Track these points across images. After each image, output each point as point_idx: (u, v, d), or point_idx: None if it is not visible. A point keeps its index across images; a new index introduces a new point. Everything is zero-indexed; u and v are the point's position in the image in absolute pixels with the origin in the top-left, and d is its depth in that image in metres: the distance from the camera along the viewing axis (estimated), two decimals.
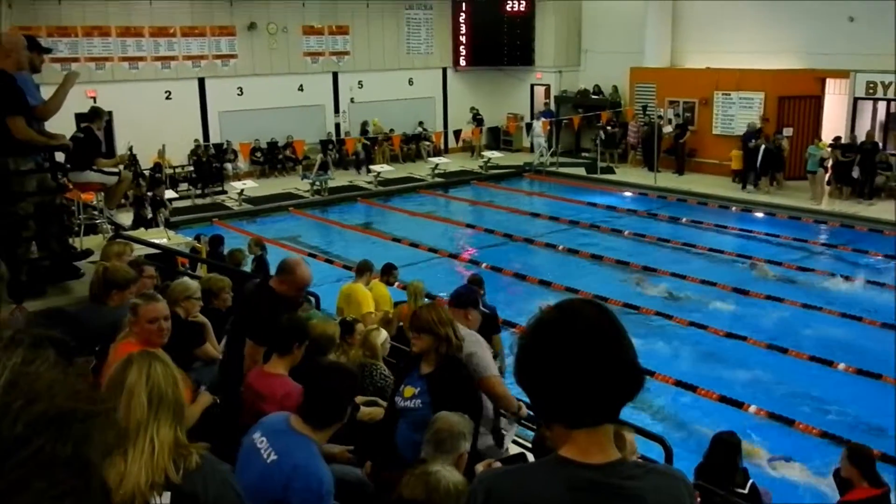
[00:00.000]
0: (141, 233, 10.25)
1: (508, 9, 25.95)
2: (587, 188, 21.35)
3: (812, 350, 10.61)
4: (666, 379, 9.76)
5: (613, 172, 22.64)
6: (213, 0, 21.43)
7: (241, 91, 22.10)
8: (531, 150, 24.77)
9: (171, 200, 17.41)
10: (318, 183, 20.58)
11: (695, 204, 19.34)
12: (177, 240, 10.06)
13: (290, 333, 4.37)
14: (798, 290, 13.15)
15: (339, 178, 21.81)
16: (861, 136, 18.85)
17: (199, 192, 20.41)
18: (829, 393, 9.74)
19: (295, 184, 21.37)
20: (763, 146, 19.47)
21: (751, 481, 5.62)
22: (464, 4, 25.96)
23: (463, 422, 3.58)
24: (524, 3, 25.87)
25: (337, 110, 24.13)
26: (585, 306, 1.64)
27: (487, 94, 26.55)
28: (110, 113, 15.08)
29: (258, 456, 3.21)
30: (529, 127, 25.13)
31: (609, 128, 23.71)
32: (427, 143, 25.17)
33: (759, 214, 18.47)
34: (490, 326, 6.36)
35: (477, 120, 26.02)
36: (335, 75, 23.97)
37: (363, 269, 9.20)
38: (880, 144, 18.88)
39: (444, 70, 26.37)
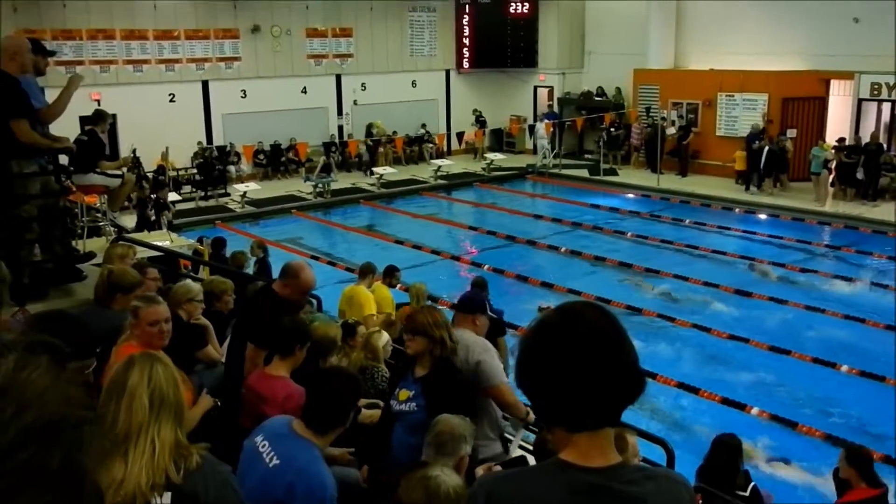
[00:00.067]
0: (144, 235, 10.26)
1: (512, 11, 25.96)
2: (590, 190, 21.33)
3: (815, 352, 10.60)
4: (668, 381, 9.74)
5: (616, 174, 22.62)
6: (217, 3, 21.47)
7: (244, 93, 22.13)
8: (534, 151, 24.77)
9: (174, 203, 17.43)
10: (320, 185, 20.60)
11: (698, 206, 19.31)
12: (179, 242, 10.06)
13: (292, 335, 4.37)
14: (801, 292, 13.12)
15: (342, 181, 21.82)
16: (865, 138, 18.82)
17: (202, 194, 20.45)
18: (832, 395, 9.72)
19: (298, 186, 21.38)
20: (767, 147, 19.45)
21: (752, 483, 5.61)
22: (467, 6, 25.97)
23: (464, 424, 3.57)
24: (527, 4, 25.87)
25: (340, 113, 24.15)
26: (587, 309, 1.64)
27: (490, 96, 26.54)
28: (114, 115, 15.14)
29: (260, 460, 3.21)
30: (533, 129, 25.13)
31: (612, 129, 23.70)
32: (430, 145, 25.17)
33: (763, 216, 18.44)
34: (495, 329, 6.34)
35: (480, 122, 26.02)
36: (338, 78, 23.99)
37: (366, 272, 9.20)
38: (885, 146, 18.85)
39: (448, 72, 26.38)
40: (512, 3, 25.87)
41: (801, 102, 20.59)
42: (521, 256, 15.91)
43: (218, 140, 21.81)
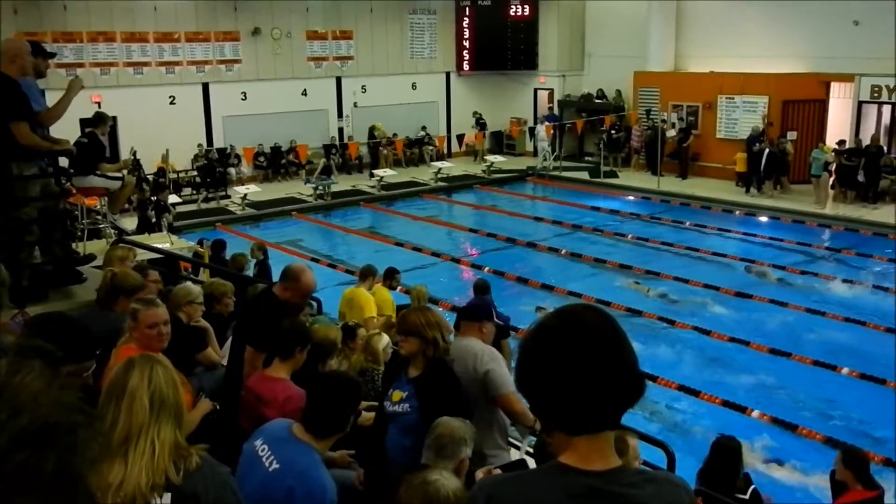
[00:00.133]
0: (144, 237, 10.26)
1: (512, 13, 25.98)
2: (590, 192, 21.33)
3: (815, 354, 10.59)
4: (669, 384, 9.73)
5: (617, 176, 22.63)
6: (218, 5, 21.49)
7: (244, 96, 22.15)
8: (534, 154, 24.78)
9: (174, 205, 17.43)
10: (320, 187, 20.60)
11: (698, 208, 19.32)
12: (180, 244, 10.07)
13: (292, 337, 4.37)
14: (802, 295, 13.12)
15: (342, 183, 21.82)
16: (866, 140, 18.83)
17: (202, 196, 20.46)
18: (832, 398, 9.71)
19: (298, 188, 21.39)
20: (767, 150, 19.45)
21: (752, 486, 5.60)
22: (467, 9, 25.99)
23: (464, 427, 3.56)
24: (527, 7, 25.90)
25: (340, 115, 24.16)
26: (586, 312, 1.64)
27: (491, 98, 26.55)
28: (114, 118, 15.14)
29: (260, 464, 3.20)
30: (533, 131, 25.14)
31: (612, 132, 23.71)
32: (430, 147, 25.19)
33: (763, 218, 18.43)
34: (498, 332, 6.32)
35: (480, 124, 26.04)
36: (339, 80, 24.01)
37: (366, 274, 9.20)
38: (885, 148, 18.85)
39: (448, 74, 26.39)
40: (512, 6, 25.90)
41: (801, 105, 20.60)
42: (522, 259, 15.91)
43: (218, 142, 21.82)
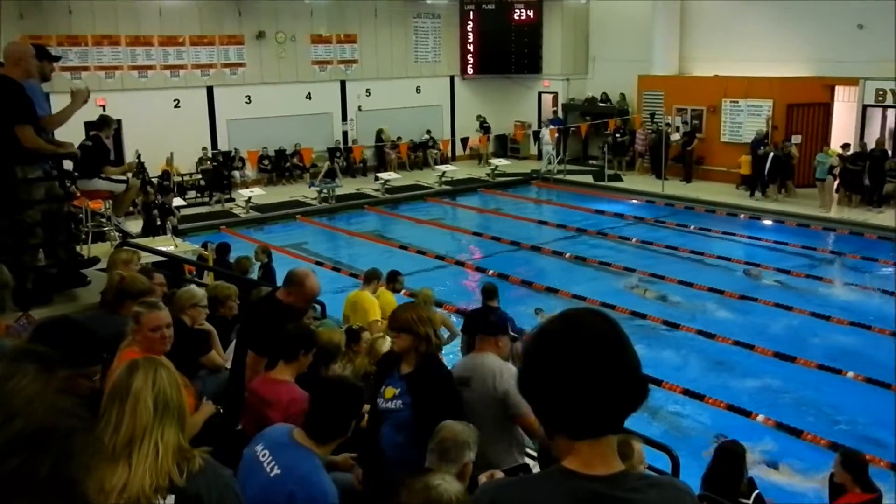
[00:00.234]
0: (148, 240, 10.27)
1: (516, 17, 25.99)
2: (595, 196, 21.32)
3: (820, 359, 10.55)
4: (673, 387, 9.71)
5: (621, 180, 22.62)
6: (223, 9, 21.54)
7: (249, 99, 22.19)
8: (539, 157, 24.79)
9: (178, 208, 17.47)
10: (325, 190, 20.62)
11: (702, 212, 19.30)
12: (184, 247, 10.08)
13: (297, 341, 4.36)
14: (806, 298, 13.08)
15: (346, 186, 21.84)
16: (870, 144, 18.78)
17: (207, 199, 20.49)
18: (837, 402, 9.68)
19: (302, 191, 21.42)
20: (772, 153, 19.42)
21: (756, 491, 5.58)
22: (471, 13, 26.02)
23: (467, 431, 3.55)
24: (532, 11, 25.91)
25: (344, 118, 24.19)
26: (589, 315, 1.63)
27: (495, 102, 26.57)
28: (119, 121, 15.16)
29: (261, 469, 3.19)
30: (537, 135, 25.14)
31: (617, 135, 23.72)
32: (434, 150, 25.21)
33: (768, 222, 18.40)
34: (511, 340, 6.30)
35: (484, 128, 26.05)
36: (343, 83, 24.04)
37: (371, 277, 9.19)
38: (889, 152, 18.81)
39: (452, 78, 26.41)
40: (516, 9, 25.91)
41: (805, 108, 20.57)
42: (526, 262, 15.89)
43: (223, 145, 21.86)
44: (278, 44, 22.55)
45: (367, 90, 24.36)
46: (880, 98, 19.15)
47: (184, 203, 18.83)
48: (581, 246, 16.78)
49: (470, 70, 26.44)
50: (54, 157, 5.97)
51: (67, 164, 6.56)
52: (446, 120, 26.45)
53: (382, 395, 4.14)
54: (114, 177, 8.09)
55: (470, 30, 26.15)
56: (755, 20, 21.11)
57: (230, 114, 21.90)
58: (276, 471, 3.16)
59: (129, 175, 8.69)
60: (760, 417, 9.09)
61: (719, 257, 15.54)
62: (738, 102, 21.45)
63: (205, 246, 11.81)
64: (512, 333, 5.23)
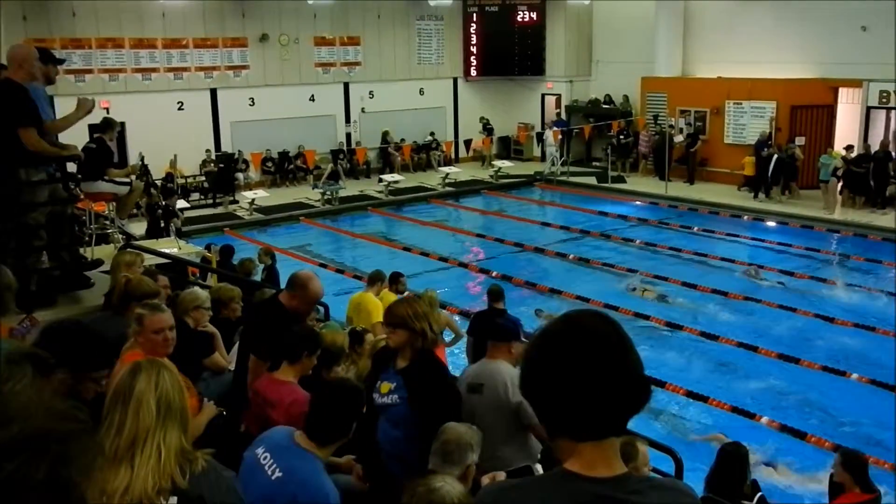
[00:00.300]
0: (152, 242, 10.29)
1: (519, 19, 25.99)
2: (598, 197, 21.30)
3: (825, 360, 10.53)
4: (677, 389, 9.69)
5: (624, 182, 22.60)
6: (226, 11, 21.58)
7: (252, 101, 22.22)
8: (542, 159, 24.78)
9: (182, 210, 17.49)
10: (328, 192, 20.64)
11: (706, 213, 19.28)
12: (188, 249, 10.10)
13: (301, 342, 4.36)
14: (810, 300, 13.06)
15: (349, 188, 21.85)
16: (874, 146, 18.75)
17: (210, 201, 20.51)
18: (841, 404, 9.65)
19: (306, 193, 21.44)
20: (775, 155, 19.39)
21: (760, 493, 5.57)
22: (474, 14, 26.03)
23: (470, 433, 3.55)
24: (535, 13, 25.92)
25: (348, 120, 24.22)
26: (591, 317, 1.63)
27: (498, 103, 26.57)
28: (123, 124, 15.18)
29: (262, 472, 3.19)
30: (540, 136, 25.13)
31: (620, 137, 23.70)
32: (438, 152, 25.21)
33: (772, 224, 18.38)
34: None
35: (487, 129, 26.05)
36: (346, 86, 24.07)
37: (375, 279, 9.18)
38: (893, 154, 18.77)
39: (455, 80, 26.42)
40: (519, 11, 25.91)
41: (809, 110, 20.54)
42: (529, 263, 15.89)
43: (226, 148, 21.89)
44: (282, 46, 22.58)
45: (371, 92, 24.37)
46: (884, 100, 19.12)
47: (187, 205, 18.85)
48: (584, 247, 16.78)
49: (473, 72, 26.45)
50: (58, 160, 5.98)
51: (71, 167, 6.57)
52: (449, 122, 26.46)
53: (378, 390, 4.14)
54: (117, 179, 8.11)
55: (473, 31, 26.16)
56: (758, 22, 21.09)
57: (234, 116, 21.94)
58: (278, 474, 3.16)
59: (133, 177, 8.72)
60: (764, 419, 9.07)
61: (723, 259, 15.52)
62: (741, 104, 21.42)
63: (208, 248, 11.83)
64: (524, 340, 5.23)
